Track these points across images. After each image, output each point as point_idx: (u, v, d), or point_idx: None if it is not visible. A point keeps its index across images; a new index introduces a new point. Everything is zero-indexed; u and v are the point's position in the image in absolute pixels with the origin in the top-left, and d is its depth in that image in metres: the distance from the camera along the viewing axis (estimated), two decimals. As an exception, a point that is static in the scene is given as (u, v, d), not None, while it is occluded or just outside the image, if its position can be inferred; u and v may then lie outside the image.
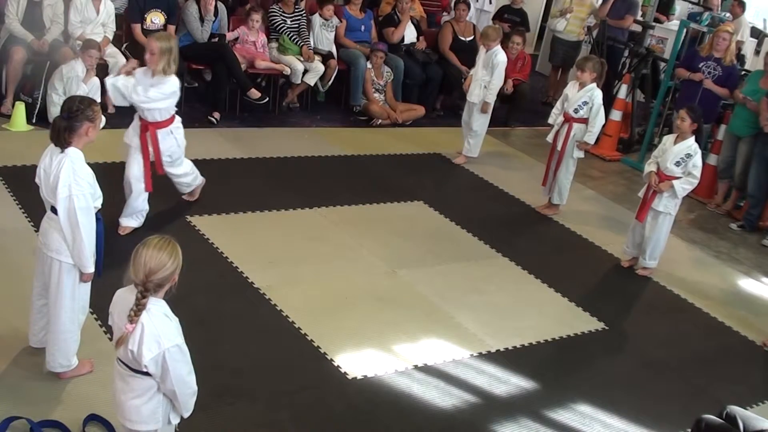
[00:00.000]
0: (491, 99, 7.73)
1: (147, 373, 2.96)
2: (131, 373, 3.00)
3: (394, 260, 5.82)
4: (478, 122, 7.84)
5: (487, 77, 7.66)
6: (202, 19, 7.86)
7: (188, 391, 3.05)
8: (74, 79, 6.65)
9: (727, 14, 10.14)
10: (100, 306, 4.05)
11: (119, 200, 5.47)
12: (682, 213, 7.17)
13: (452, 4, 9.71)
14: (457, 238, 6.39)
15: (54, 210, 3.69)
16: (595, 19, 10.24)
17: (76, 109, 3.63)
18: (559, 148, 6.92)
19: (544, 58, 11.91)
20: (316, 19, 8.53)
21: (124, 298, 2.99)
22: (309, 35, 8.49)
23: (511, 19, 9.81)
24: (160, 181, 6.34)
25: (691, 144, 5.95)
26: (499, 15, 10.13)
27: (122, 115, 7.53)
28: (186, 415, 3.13)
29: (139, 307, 2.88)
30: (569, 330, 5.36)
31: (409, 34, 9.28)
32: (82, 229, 3.63)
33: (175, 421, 3.15)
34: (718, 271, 6.78)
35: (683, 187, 5.98)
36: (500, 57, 7.66)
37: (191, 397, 3.08)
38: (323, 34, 8.55)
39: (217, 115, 7.86)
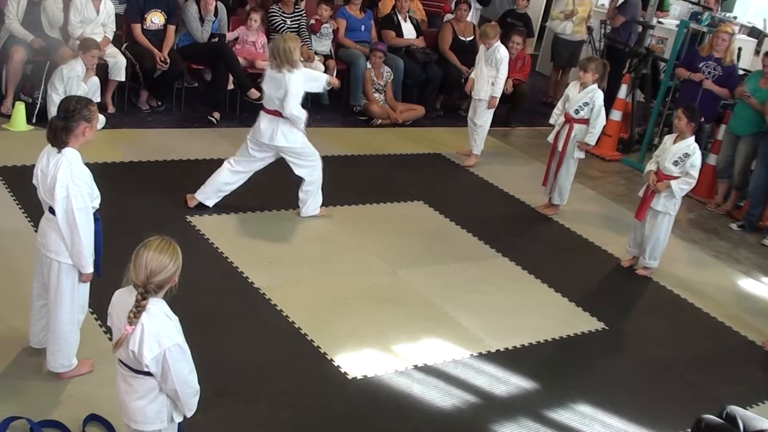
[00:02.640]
0: (498, 93, 7.75)
1: (149, 374, 2.95)
2: (133, 374, 3.00)
3: (394, 260, 5.82)
4: (483, 118, 7.86)
5: (494, 72, 7.68)
6: (202, 19, 7.86)
7: (190, 390, 3.03)
8: (74, 79, 6.65)
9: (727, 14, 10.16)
10: (99, 306, 4.05)
11: (117, 200, 5.47)
12: (682, 213, 7.17)
13: (452, 5, 9.71)
14: (457, 238, 6.39)
15: (52, 210, 3.69)
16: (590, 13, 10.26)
17: (73, 109, 3.62)
18: (560, 148, 6.92)
19: (544, 58, 11.91)
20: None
21: (123, 299, 2.98)
22: (309, 36, 8.50)
23: (514, 24, 9.81)
24: (158, 180, 6.35)
25: (690, 143, 5.95)
26: (503, 19, 10.12)
27: (122, 116, 7.57)
28: (189, 414, 3.11)
29: (138, 309, 2.87)
30: (569, 330, 5.36)
31: (409, 34, 9.29)
32: (80, 229, 3.62)
33: (178, 419, 3.14)
34: (718, 271, 6.78)
35: (681, 187, 5.98)
36: (502, 52, 7.69)
37: (193, 397, 3.07)
38: (317, 42, 8.55)
39: (217, 115, 7.86)
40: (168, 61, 7.56)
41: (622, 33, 10.00)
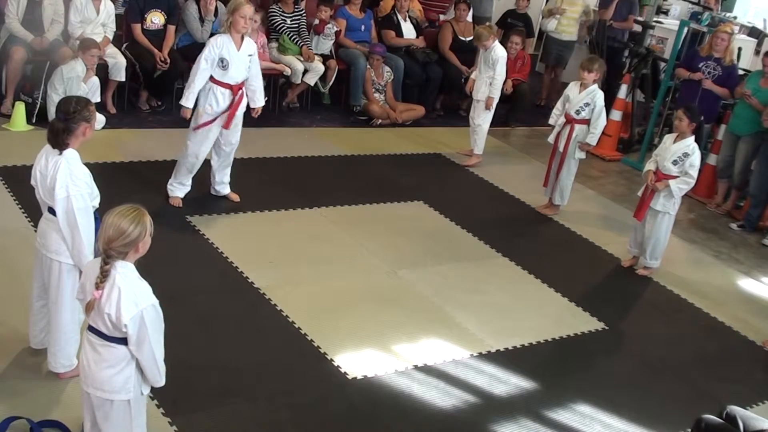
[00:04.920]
0: (495, 94, 7.75)
1: (121, 342, 2.99)
2: (105, 343, 3.02)
3: (394, 260, 5.82)
4: (481, 117, 7.86)
5: (491, 73, 7.69)
6: (202, 20, 7.86)
7: (161, 352, 3.06)
8: (75, 80, 6.65)
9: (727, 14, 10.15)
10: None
11: (117, 200, 5.45)
12: (682, 213, 7.17)
13: (453, 4, 9.71)
14: (457, 238, 6.39)
15: (51, 211, 3.69)
16: (585, 16, 10.19)
17: (73, 110, 3.63)
18: (560, 149, 6.92)
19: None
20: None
21: (94, 267, 3.04)
22: (309, 35, 8.50)
23: (514, 24, 9.81)
24: (158, 180, 6.35)
25: (689, 143, 5.95)
26: (503, 20, 10.12)
27: (122, 115, 7.57)
28: (161, 383, 3.13)
29: (103, 274, 2.92)
30: (569, 330, 5.36)
31: (409, 33, 9.29)
32: (81, 229, 3.63)
33: (146, 391, 3.17)
34: (718, 271, 6.78)
35: (679, 186, 5.98)
36: (498, 52, 7.69)
37: (162, 364, 3.09)
38: (321, 42, 8.55)
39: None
40: (168, 61, 7.56)
41: (615, 31, 9.97)
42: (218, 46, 5.68)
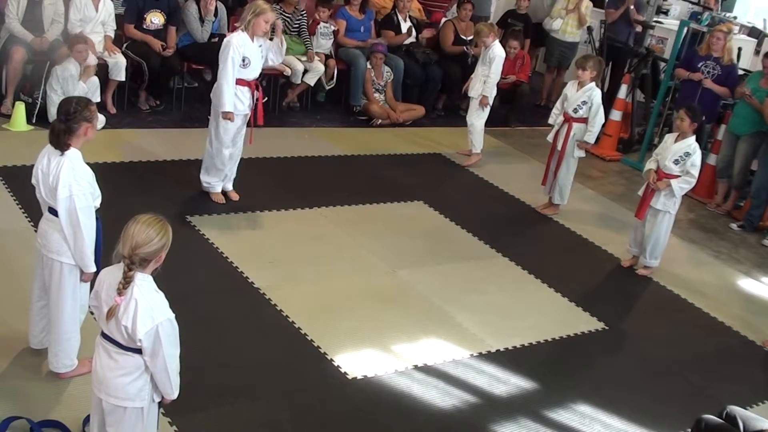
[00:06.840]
0: (488, 92, 7.74)
1: (137, 351, 2.99)
2: (120, 351, 3.02)
3: (394, 260, 5.82)
4: (474, 116, 7.86)
5: (487, 71, 7.69)
6: (202, 20, 7.86)
7: (176, 365, 3.06)
8: (69, 80, 6.65)
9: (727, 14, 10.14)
10: (100, 306, 4.05)
11: (117, 200, 5.46)
12: (682, 213, 7.17)
13: (455, 4, 9.71)
14: (457, 238, 6.39)
15: (52, 211, 3.69)
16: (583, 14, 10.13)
17: (74, 111, 3.63)
18: (559, 147, 6.92)
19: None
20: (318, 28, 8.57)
21: (111, 275, 3.03)
22: (309, 36, 8.49)
23: (514, 24, 9.80)
24: (158, 180, 6.36)
25: (691, 143, 5.95)
26: (504, 20, 10.10)
27: (122, 115, 7.57)
28: (175, 395, 3.13)
29: (126, 280, 2.92)
30: (569, 330, 5.36)
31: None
32: (83, 228, 3.63)
33: (158, 399, 3.17)
34: (718, 271, 6.78)
35: (681, 186, 5.98)
36: (496, 51, 7.68)
37: (177, 374, 3.10)
38: (320, 42, 8.55)
39: None
40: (170, 47, 7.57)
41: (620, 32, 9.96)
42: (240, 45, 5.77)
